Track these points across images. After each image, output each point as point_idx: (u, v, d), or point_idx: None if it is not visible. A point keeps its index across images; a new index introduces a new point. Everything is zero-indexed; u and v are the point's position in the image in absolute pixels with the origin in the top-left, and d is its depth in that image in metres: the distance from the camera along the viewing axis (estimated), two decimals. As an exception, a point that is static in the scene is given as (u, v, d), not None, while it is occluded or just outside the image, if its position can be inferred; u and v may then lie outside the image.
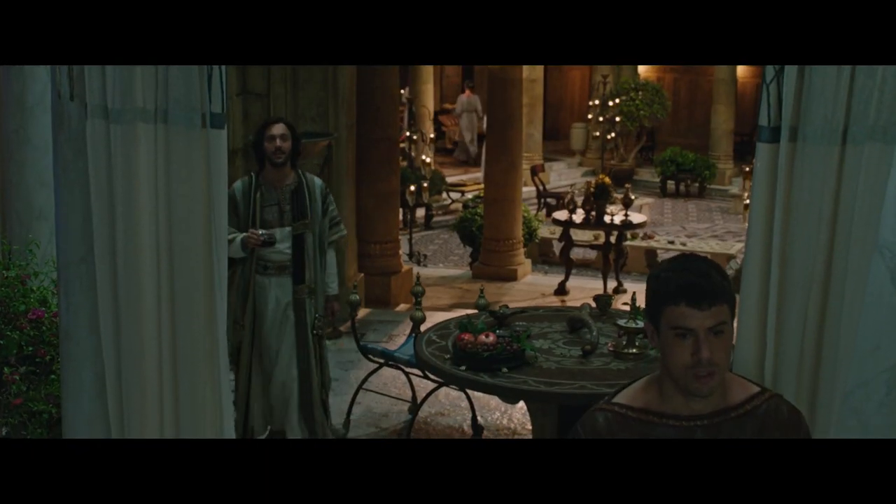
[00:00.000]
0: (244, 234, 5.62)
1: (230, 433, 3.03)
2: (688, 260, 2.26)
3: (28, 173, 6.01)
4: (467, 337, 5.32)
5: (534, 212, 14.42)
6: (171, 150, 2.75)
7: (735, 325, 2.31)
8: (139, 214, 2.83)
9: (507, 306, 6.09)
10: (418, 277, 6.65)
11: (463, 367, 5.22)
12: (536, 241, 13.14)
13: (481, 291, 6.49)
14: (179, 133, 2.72)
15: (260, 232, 5.60)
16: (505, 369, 5.16)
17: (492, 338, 5.29)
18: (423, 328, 6.10)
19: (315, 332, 5.85)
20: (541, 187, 16.83)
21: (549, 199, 16.49)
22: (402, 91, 14.83)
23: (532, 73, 17.81)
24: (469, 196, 15.57)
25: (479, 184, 15.86)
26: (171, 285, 2.89)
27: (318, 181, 5.89)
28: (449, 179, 17.18)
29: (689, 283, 2.18)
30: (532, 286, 11.64)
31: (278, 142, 5.61)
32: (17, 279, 3.76)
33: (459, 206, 15.65)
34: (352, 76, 8.80)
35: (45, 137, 5.09)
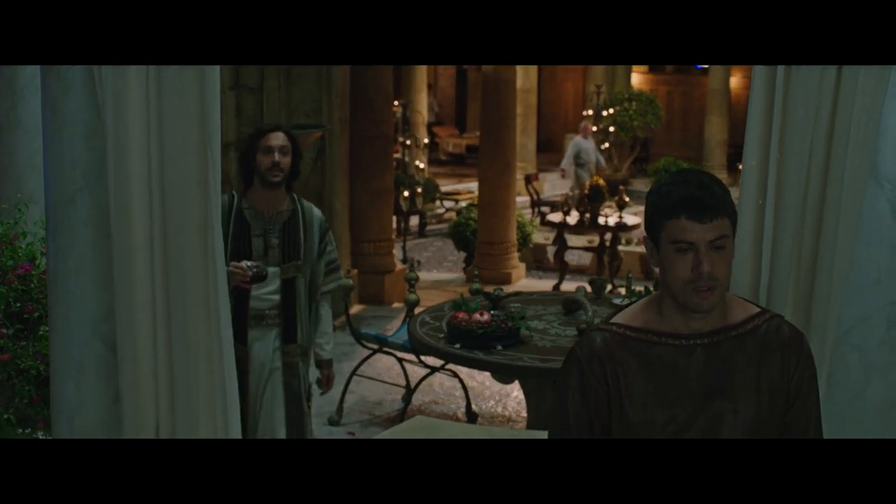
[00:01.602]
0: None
1: (231, 372, 2.97)
2: (689, 173, 2.22)
3: (19, 157, 5.97)
4: (462, 315, 5.29)
5: (528, 218, 14.38)
6: (162, 86, 2.72)
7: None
8: (130, 150, 2.79)
9: (501, 289, 6.05)
10: (412, 265, 6.61)
11: (457, 346, 5.19)
12: (530, 245, 13.09)
13: (476, 275, 6.45)
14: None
15: (247, 264, 4.19)
16: (499, 347, 5.14)
17: (486, 316, 5.27)
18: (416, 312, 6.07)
19: (310, 403, 4.58)
20: (535, 196, 16.81)
21: (543, 208, 16.46)
22: (395, 102, 14.84)
23: (526, 83, 17.80)
24: (463, 205, 15.54)
25: (472, 192, 15.83)
26: (164, 223, 2.85)
27: (317, 212, 4.52)
28: (443, 189, 17.15)
29: (690, 195, 2.14)
30: (526, 289, 11.58)
31: (277, 156, 4.25)
32: (4, 237, 3.72)
33: (453, 214, 15.62)
34: (345, 71, 8.80)
35: (36, 120, 5.06)
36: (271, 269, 4.28)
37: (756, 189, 2.69)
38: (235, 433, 3.00)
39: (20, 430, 3.67)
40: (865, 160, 2.60)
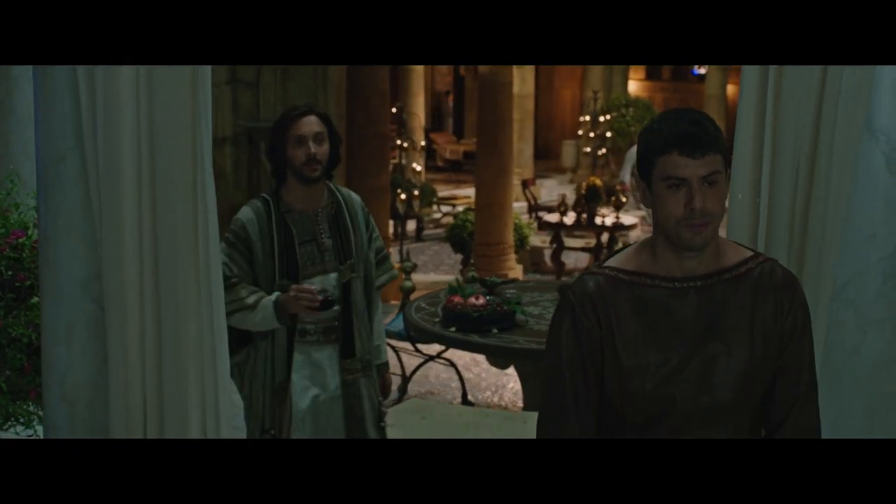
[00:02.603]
0: (277, 294, 3.53)
1: (222, 341, 2.94)
2: (680, 111, 2.21)
3: (13, 145, 5.93)
4: (457, 299, 5.28)
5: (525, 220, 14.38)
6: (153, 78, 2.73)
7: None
8: (120, 108, 2.79)
9: (496, 277, 6.04)
10: (408, 253, 6.59)
11: (453, 329, 5.18)
12: (527, 248, 13.09)
13: (472, 264, 6.43)
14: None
15: (316, 287, 3.51)
16: (495, 330, 5.13)
17: (482, 300, 5.26)
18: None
19: (383, 423, 3.84)
20: (532, 201, 16.80)
21: (540, 213, 16.46)
22: (393, 109, 14.86)
23: (523, 89, 17.81)
24: (460, 209, 15.55)
25: (469, 198, 15.84)
26: (153, 183, 2.84)
27: (356, 197, 3.85)
28: (440, 194, 17.17)
29: (682, 131, 2.13)
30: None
31: (312, 146, 3.56)
32: (-5, 206, 3.72)
33: (450, 219, 15.63)
34: (342, 67, 8.80)
35: (30, 108, 5.05)
36: (331, 276, 3.65)
37: (752, 142, 2.69)
38: (224, 396, 2.97)
39: (11, 405, 3.65)
40: (859, 111, 2.59)
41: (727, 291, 2.23)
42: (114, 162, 2.82)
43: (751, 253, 2.29)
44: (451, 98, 22.96)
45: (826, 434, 2.33)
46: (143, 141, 2.83)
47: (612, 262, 2.30)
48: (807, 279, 2.67)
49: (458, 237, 12.59)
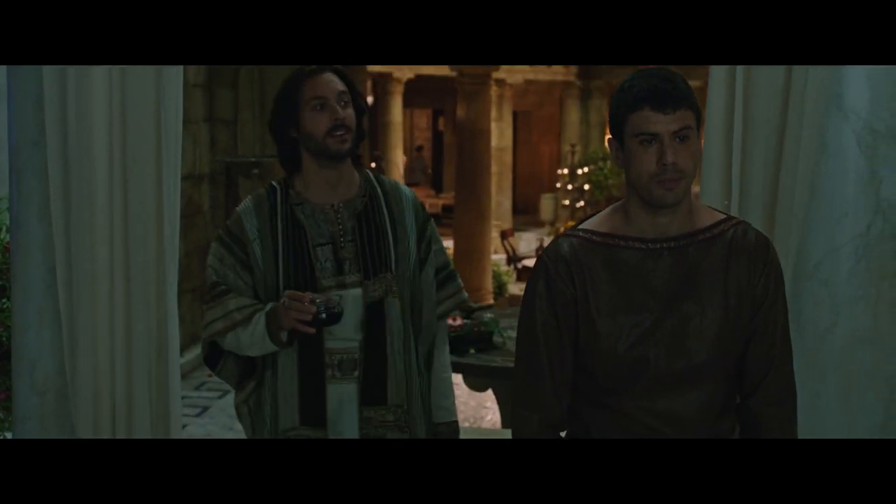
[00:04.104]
0: (273, 303, 2.69)
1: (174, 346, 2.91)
2: (652, 69, 2.22)
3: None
4: (434, 320, 5.24)
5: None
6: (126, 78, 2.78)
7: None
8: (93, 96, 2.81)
9: (473, 303, 6.02)
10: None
11: (430, 349, 5.13)
12: (506, 295, 13.09)
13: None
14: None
15: (312, 296, 2.61)
16: (472, 350, 5.10)
17: (459, 321, 5.23)
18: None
19: None
20: (511, 252, 16.82)
21: (518, 265, 16.47)
22: (372, 163, 14.91)
23: (501, 142, 17.97)
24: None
25: (448, 248, 15.84)
26: (124, 162, 2.84)
27: (406, 191, 2.92)
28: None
29: (654, 86, 2.14)
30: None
31: (339, 109, 2.71)
32: (-32, 207, 3.67)
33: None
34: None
35: (3, 129, 5.05)
36: (351, 293, 2.73)
37: (723, 123, 2.71)
38: (175, 382, 2.93)
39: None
40: (827, 89, 2.62)
41: (700, 253, 2.22)
42: (85, 150, 2.83)
43: (724, 216, 2.30)
44: (423, 153, 23.09)
45: (802, 413, 2.32)
46: (115, 128, 2.84)
47: (585, 225, 2.30)
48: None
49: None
